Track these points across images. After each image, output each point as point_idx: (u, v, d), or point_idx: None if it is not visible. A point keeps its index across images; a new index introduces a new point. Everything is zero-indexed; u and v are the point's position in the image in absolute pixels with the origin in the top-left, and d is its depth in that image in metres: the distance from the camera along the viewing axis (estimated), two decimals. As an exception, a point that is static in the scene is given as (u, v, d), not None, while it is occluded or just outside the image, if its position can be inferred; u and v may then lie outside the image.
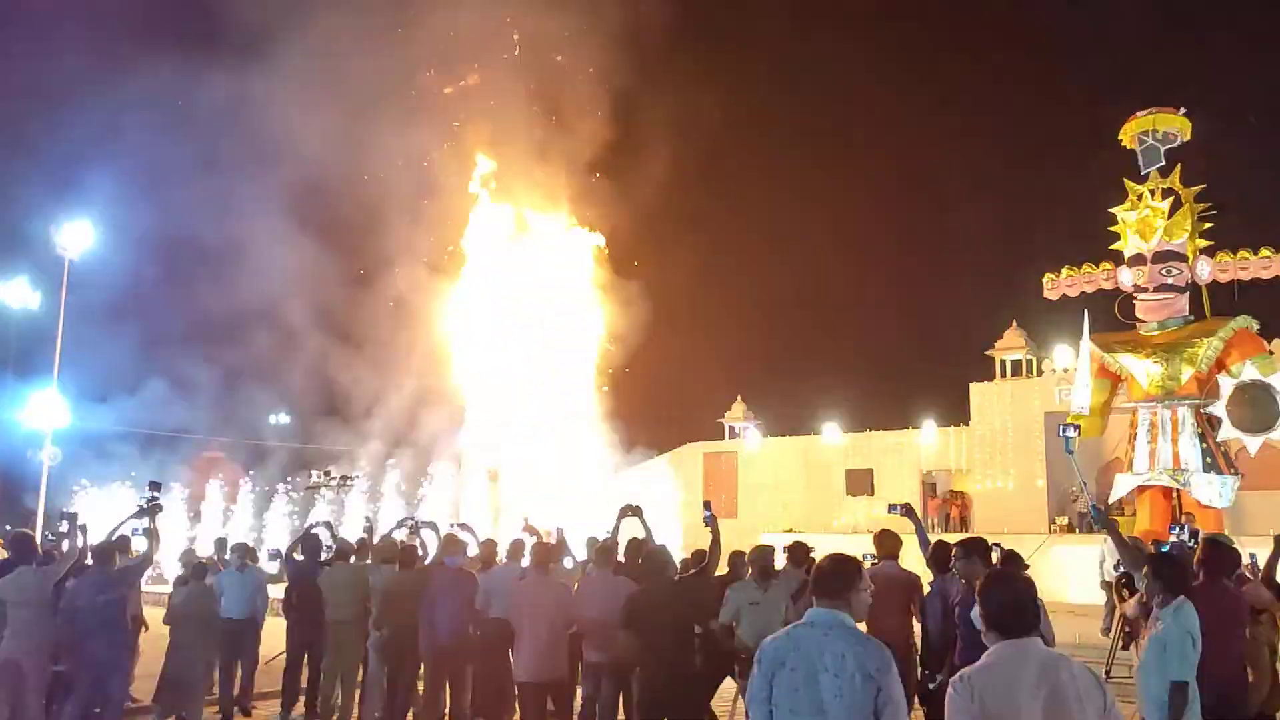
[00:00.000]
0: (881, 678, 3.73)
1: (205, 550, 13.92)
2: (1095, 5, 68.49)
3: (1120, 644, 10.44)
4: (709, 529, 8.15)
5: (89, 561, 9.17)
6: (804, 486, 35.65)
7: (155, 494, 9.45)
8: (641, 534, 8.95)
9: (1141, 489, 21.09)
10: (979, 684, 3.42)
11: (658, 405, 37.02)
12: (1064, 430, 8.50)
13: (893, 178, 74.31)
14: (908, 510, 8.89)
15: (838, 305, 71.95)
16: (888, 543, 8.52)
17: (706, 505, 8.55)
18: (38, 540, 9.54)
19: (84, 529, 9.46)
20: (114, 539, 9.62)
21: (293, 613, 10.62)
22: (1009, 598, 3.57)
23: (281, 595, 11.15)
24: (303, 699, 10.52)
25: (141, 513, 9.36)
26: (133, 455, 31.49)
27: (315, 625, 10.09)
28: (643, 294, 29.82)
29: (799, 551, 8.78)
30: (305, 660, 10.54)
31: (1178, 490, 20.32)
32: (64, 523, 9.38)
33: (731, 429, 39.21)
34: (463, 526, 11.11)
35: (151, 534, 9.26)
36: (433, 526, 10.74)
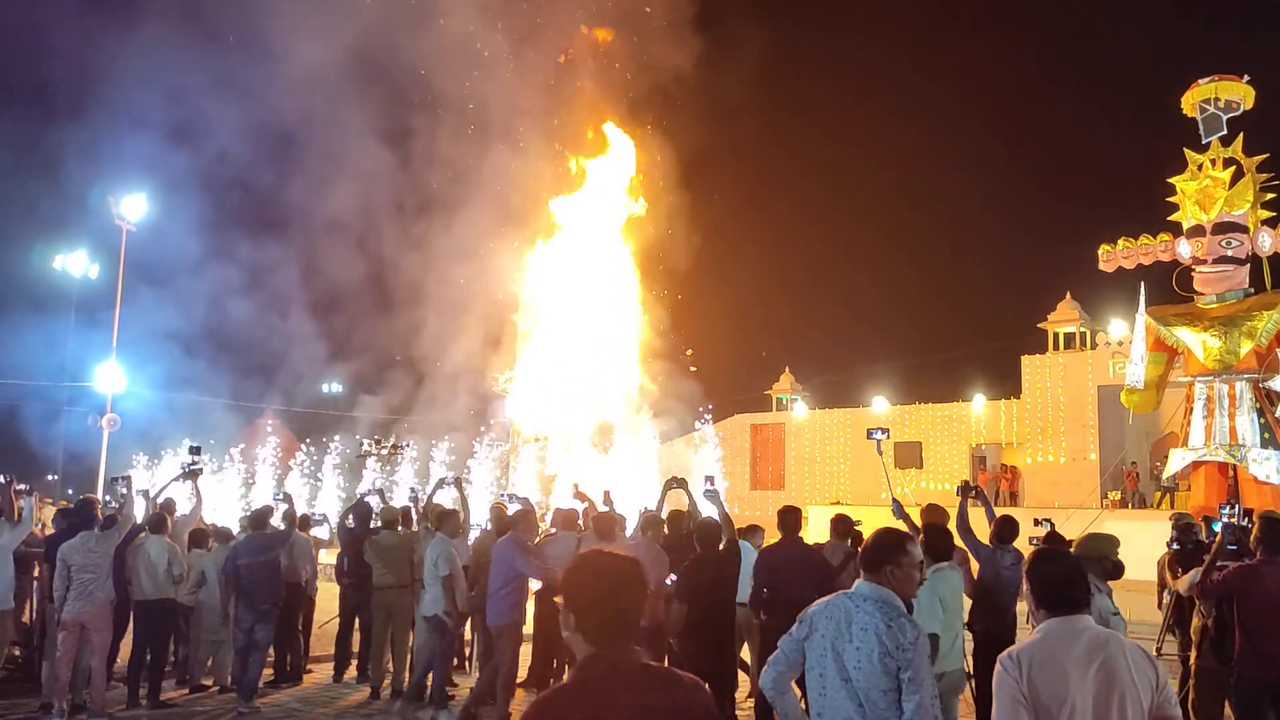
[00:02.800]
0: (902, 654, 3.73)
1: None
2: (1157, -31, 66.81)
3: (1170, 620, 10.33)
4: (712, 502, 8.19)
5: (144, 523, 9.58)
6: (851, 459, 35.53)
7: (196, 458, 9.87)
8: (685, 506, 9.00)
9: (1197, 464, 20.76)
10: (1027, 661, 3.39)
11: (706, 376, 37.01)
12: (873, 434, 9.31)
13: (946, 149, 73.31)
14: (978, 492, 8.88)
15: (887, 277, 71.41)
16: (934, 517, 8.47)
17: (709, 480, 8.58)
18: (99, 505, 9.84)
19: (145, 494, 9.81)
20: (161, 501, 10.03)
21: (345, 579, 10.82)
22: (1056, 573, 3.53)
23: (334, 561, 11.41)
24: (354, 663, 10.76)
25: (183, 476, 9.80)
26: (189, 422, 32.17)
27: (366, 591, 10.29)
28: (692, 265, 29.75)
29: (842, 524, 8.78)
30: (357, 625, 10.75)
31: (1234, 466, 19.98)
32: (119, 486, 9.68)
33: (779, 400, 39.11)
34: (512, 497, 11.21)
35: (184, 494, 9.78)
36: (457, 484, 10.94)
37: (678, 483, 9.17)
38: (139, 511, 9.80)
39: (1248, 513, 8.60)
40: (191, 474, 9.91)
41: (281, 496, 10.40)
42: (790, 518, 7.92)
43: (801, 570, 7.51)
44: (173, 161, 32.47)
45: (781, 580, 7.45)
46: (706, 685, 2.71)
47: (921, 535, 6.65)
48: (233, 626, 9.52)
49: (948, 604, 6.43)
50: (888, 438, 9.63)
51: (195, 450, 10.10)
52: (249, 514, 10.14)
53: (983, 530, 8.42)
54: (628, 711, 2.46)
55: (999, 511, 8.63)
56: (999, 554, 7.90)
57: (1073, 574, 3.53)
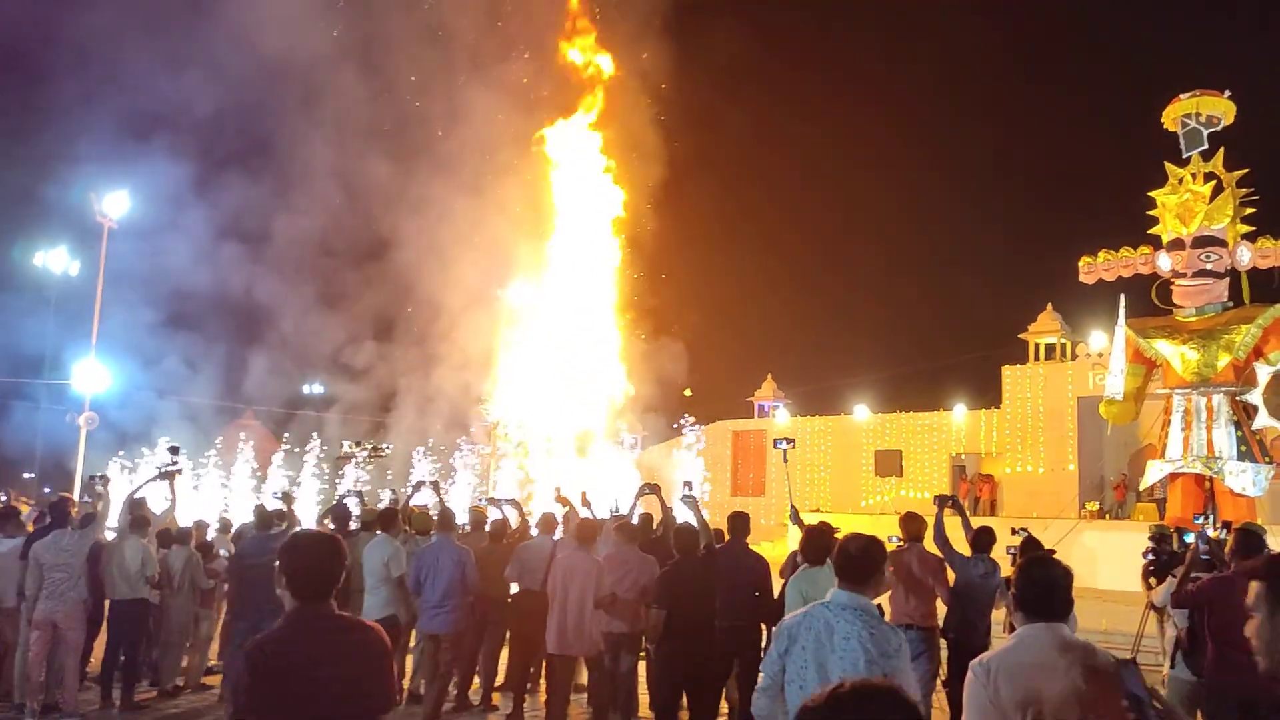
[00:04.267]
0: (887, 662, 3.74)
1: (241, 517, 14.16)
2: (1141, -16, 67.38)
3: (1145, 627, 10.42)
4: (690, 508, 8.23)
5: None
6: (832, 466, 35.61)
7: (174, 458, 9.85)
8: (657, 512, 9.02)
9: (1174, 476, 20.88)
10: (997, 668, 3.40)
11: (687, 382, 37.06)
12: (779, 444, 9.81)
13: (928, 158, 73.69)
14: (955, 503, 8.93)
15: (870, 285, 71.66)
16: (913, 526, 8.52)
17: (686, 485, 8.62)
18: (75, 503, 9.80)
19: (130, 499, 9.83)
20: (137, 499, 10.01)
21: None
22: (1044, 579, 3.54)
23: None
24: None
25: (160, 476, 9.78)
26: (167, 421, 31.97)
27: (344, 593, 10.24)
28: (676, 272, 29.79)
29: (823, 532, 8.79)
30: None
31: (1211, 478, 20.11)
32: (96, 485, 9.64)
33: (761, 407, 39.14)
34: (491, 501, 11.20)
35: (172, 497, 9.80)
36: (434, 486, 10.97)
37: (651, 488, 9.18)
38: (114, 514, 9.76)
39: (1226, 525, 8.68)
40: (169, 474, 9.86)
41: (280, 497, 10.47)
42: (739, 521, 7.98)
43: (735, 573, 7.58)
44: (154, 157, 32.27)
45: (719, 582, 7.51)
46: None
47: (801, 539, 7.07)
48: (235, 624, 9.55)
49: (810, 601, 6.79)
50: (792, 447, 10.27)
51: (174, 450, 10.08)
52: (257, 513, 10.25)
53: (959, 541, 8.47)
54: (323, 648, 3.28)
55: (977, 522, 8.70)
56: (972, 562, 7.96)
57: (1059, 582, 3.54)
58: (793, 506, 9.18)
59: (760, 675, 4.06)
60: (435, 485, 10.99)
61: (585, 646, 8.07)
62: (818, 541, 7.10)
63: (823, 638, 3.83)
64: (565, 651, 8.08)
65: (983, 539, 8.12)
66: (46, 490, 30.70)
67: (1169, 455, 20.93)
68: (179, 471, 10.02)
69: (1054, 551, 7.69)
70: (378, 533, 9.12)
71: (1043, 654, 3.39)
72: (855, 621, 3.82)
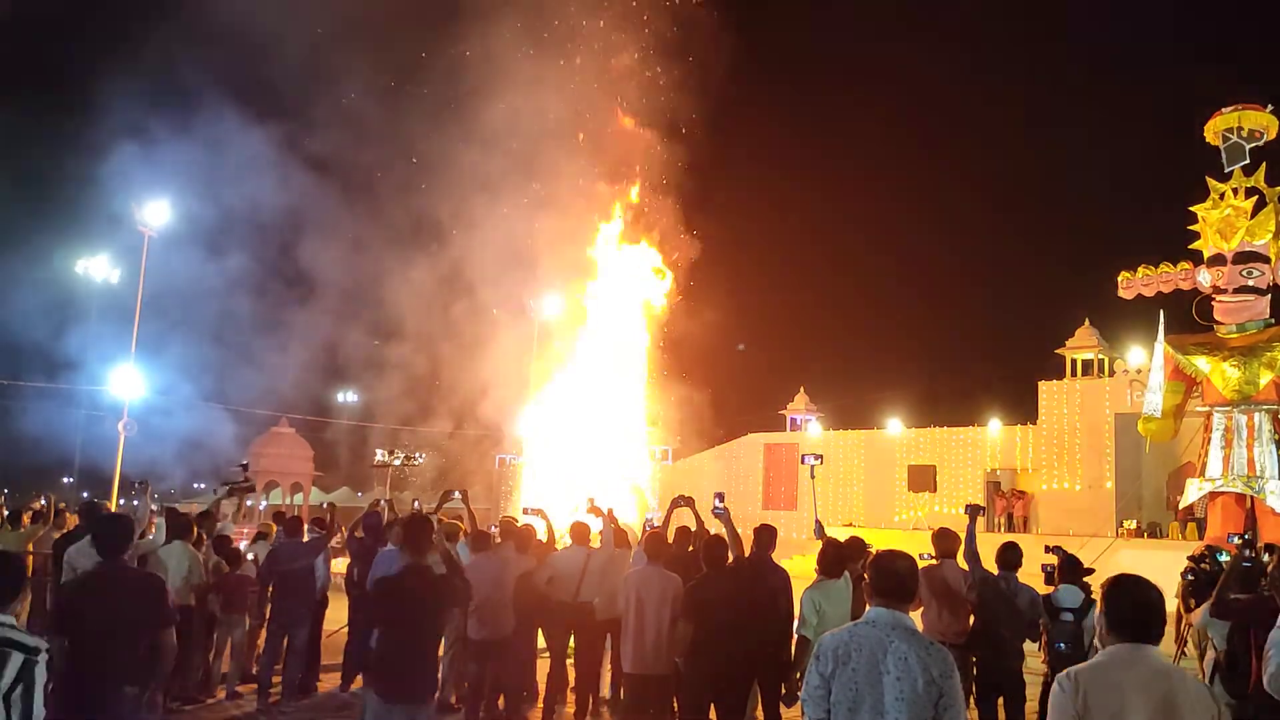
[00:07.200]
0: (944, 682, 3.68)
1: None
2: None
3: (1183, 652, 10.26)
4: (721, 520, 8.16)
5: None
6: (865, 481, 35.39)
7: (245, 475, 10.12)
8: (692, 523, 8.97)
9: (1214, 495, 20.59)
10: (1085, 682, 3.35)
11: (720, 395, 36.96)
12: (807, 459, 9.94)
13: (966, 172, 73.33)
14: (972, 511, 8.81)
15: (905, 298, 71.31)
16: (946, 541, 8.43)
17: (718, 497, 8.54)
18: (113, 507, 9.93)
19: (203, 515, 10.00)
20: (206, 513, 10.20)
21: (354, 589, 10.81)
22: (1141, 600, 3.49)
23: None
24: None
25: (232, 491, 9.99)
26: (204, 428, 32.31)
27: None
28: (709, 283, 29.68)
29: (856, 547, 8.72)
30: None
31: (1251, 498, 19.80)
32: (135, 491, 9.80)
33: (793, 420, 38.99)
34: (526, 510, 11.20)
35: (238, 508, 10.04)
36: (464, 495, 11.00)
37: (684, 501, 9.12)
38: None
39: (1270, 547, 8.54)
40: (239, 490, 10.07)
41: (325, 506, 10.65)
42: (764, 535, 7.90)
43: (758, 586, 7.52)
44: (196, 168, 32.67)
45: (746, 596, 7.53)
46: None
47: (819, 551, 7.36)
48: (269, 626, 9.76)
49: (824, 613, 7.00)
50: (821, 463, 10.31)
51: (244, 467, 10.33)
52: (286, 520, 10.42)
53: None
54: (111, 588, 5.08)
55: (1009, 538, 8.59)
56: (999, 579, 7.83)
57: (1158, 604, 3.49)
58: (818, 521, 9.07)
59: (803, 704, 3.96)
60: (465, 494, 10.98)
61: (664, 665, 7.84)
62: (834, 554, 7.36)
63: (877, 658, 3.74)
64: (643, 670, 7.71)
65: (1008, 556, 8.00)
66: (85, 495, 31.08)
67: (1209, 474, 20.65)
68: (251, 488, 10.21)
69: (1092, 570, 7.62)
70: (388, 545, 9.14)
71: (1128, 673, 3.34)
72: (908, 640, 3.75)
